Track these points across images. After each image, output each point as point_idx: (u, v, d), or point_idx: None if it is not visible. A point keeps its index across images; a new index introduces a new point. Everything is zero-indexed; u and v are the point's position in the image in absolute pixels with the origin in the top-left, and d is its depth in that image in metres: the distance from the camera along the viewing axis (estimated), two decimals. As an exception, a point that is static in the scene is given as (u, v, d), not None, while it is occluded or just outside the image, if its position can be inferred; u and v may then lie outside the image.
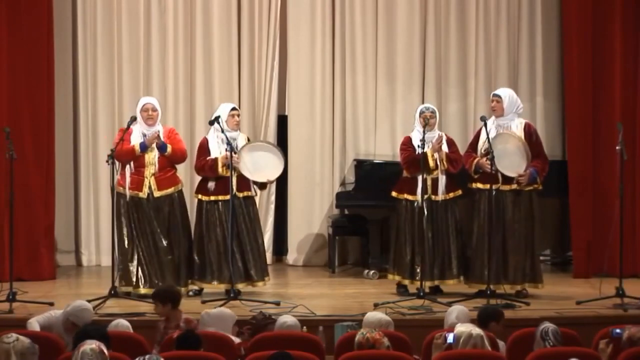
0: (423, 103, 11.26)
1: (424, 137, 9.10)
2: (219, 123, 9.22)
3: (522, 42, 11.60)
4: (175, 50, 11.44)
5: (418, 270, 9.22)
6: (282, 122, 11.67)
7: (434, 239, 9.27)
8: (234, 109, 9.46)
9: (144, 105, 9.35)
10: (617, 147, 9.16)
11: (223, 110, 9.40)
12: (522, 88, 11.52)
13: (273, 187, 11.56)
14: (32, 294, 9.09)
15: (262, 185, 9.54)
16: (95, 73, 11.36)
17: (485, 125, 9.02)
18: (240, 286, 9.23)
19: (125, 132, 9.17)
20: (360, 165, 11.20)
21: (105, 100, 11.35)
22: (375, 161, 11.25)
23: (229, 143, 9.09)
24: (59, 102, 10.94)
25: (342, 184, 11.52)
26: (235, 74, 11.51)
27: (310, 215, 11.54)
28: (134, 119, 9.24)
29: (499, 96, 9.33)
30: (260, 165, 9.28)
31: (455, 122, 11.49)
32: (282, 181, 11.63)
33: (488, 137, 8.88)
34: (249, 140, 9.51)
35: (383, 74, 11.55)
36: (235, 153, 9.07)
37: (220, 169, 9.26)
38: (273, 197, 11.59)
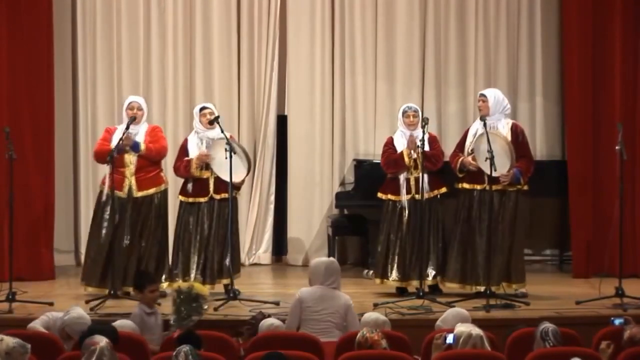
0: (422, 103, 11.30)
1: (424, 137, 9.08)
2: (218, 123, 9.21)
3: (522, 42, 11.60)
4: (175, 50, 11.44)
5: (392, 270, 9.26)
6: (282, 122, 11.66)
7: (414, 238, 9.27)
8: (202, 108, 9.41)
9: (129, 103, 9.34)
10: (617, 147, 9.16)
11: (195, 112, 9.43)
12: (522, 88, 11.53)
13: (272, 187, 11.57)
14: (32, 294, 9.09)
15: (236, 187, 9.30)
16: (95, 73, 11.37)
17: (485, 125, 9.01)
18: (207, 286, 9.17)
19: (126, 131, 9.15)
20: (360, 165, 11.20)
21: (105, 100, 11.36)
22: (374, 161, 11.19)
23: (229, 144, 9.05)
24: (59, 102, 10.94)
25: (342, 184, 11.53)
26: (235, 74, 11.51)
27: (310, 215, 11.54)
28: (133, 119, 9.22)
29: (484, 96, 9.34)
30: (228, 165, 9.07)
31: (455, 122, 11.50)
32: (281, 181, 11.65)
33: (488, 137, 8.84)
34: (231, 138, 9.38)
35: (383, 74, 11.56)
36: (235, 153, 9.02)
37: (193, 169, 9.25)
38: (272, 197, 11.60)
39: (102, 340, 5.57)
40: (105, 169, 9.28)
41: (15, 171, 9.07)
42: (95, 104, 11.38)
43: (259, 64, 11.51)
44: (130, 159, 9.21)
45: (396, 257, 9.28)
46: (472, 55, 11.54)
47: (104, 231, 9.20)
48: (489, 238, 9.03)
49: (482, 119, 9.15)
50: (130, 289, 9.09)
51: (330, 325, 7.50)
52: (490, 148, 8.77)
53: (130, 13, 11.38)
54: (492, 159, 8.74)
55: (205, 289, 8.15)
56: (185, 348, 5.56)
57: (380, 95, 11.57)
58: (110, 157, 8.98)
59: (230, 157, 8.92)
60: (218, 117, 9.24)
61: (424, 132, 9.09)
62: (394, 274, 9.28)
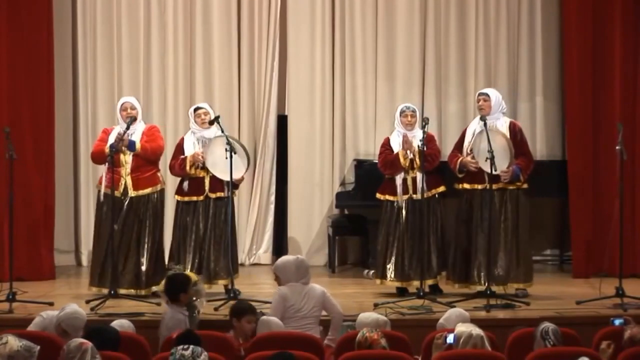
0: (423, 103, 11.30)
1: (424, 137, 9.07)
2: (218, 123, 9.20)
3: (522, 42, 11.61)
4: (175, 50, 11.45)
5: (391, 270, 9.26)
6: (282, 122, 11.67)
7: (413, 238, 9.26)
8: (197, 108, 9.44)
9: (122, 104, 9.35)
10: (617, 147, 9.16)
11: (189, 113, 9.47)
12: (522, 88, 11.54)
13: (272, 187, 11.57)
14: (32, 294, 9.09)
15: (234, 185, 9.33)
16: (95, 73, 11.38)
17: (485, 125, 9.00)
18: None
19: (125, 131, 9.14)
20: (360, 165, 11.20)
21: (105, 100, 11.36)
22: (375, 161, 11.21)
23: (229, 143, 9.04)
24: (59, 102, 10.95)
25: (342, 184, 11.53)
26: (235, 74, 11.52)
27: (310, 215, 11.54)
28: (133, 119, 9.22)
29: (486, 94, 9.33)
30: (226, 164, 8.99)
31: (455, 122, 11.49)
32: (282, 181, 11.65)
33: (488, 137, 8.82)
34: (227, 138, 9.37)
35: (383, 73, 11.56)
36: (235, 153, 8.99)
37: (188, 168, 9.26)
38: (273, 197, 11.60)
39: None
40: (102, 169, 9.29)
41: (15, 171, 9.07)
42: (95, 104, 11.39)
43: (259, 64, 11.51)
44: (126, 158, 9.21)
45: (393, 258, 9.28)
46: (472, 55, 11.54)
47: (105, 231, 9.18)
48: (491, 237, 9.03)
49: (483, 118, 9.14)
50: (131, 290, 9.08)
51: (312, 321, 7.58)
52: (491, 148, 8.76)
53: (130, 13, 11.39)
54: (492, 158, 8.73)
55: (193, 275, 8.12)
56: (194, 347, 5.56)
57: (380, 95, 11.57)
58: (110, 156, 8.98)
59: (231, 156, 8.90)
60: (218, 117, 9.24)
61: (424, 132, 9.09)
62: (393, 275, 9.27)
